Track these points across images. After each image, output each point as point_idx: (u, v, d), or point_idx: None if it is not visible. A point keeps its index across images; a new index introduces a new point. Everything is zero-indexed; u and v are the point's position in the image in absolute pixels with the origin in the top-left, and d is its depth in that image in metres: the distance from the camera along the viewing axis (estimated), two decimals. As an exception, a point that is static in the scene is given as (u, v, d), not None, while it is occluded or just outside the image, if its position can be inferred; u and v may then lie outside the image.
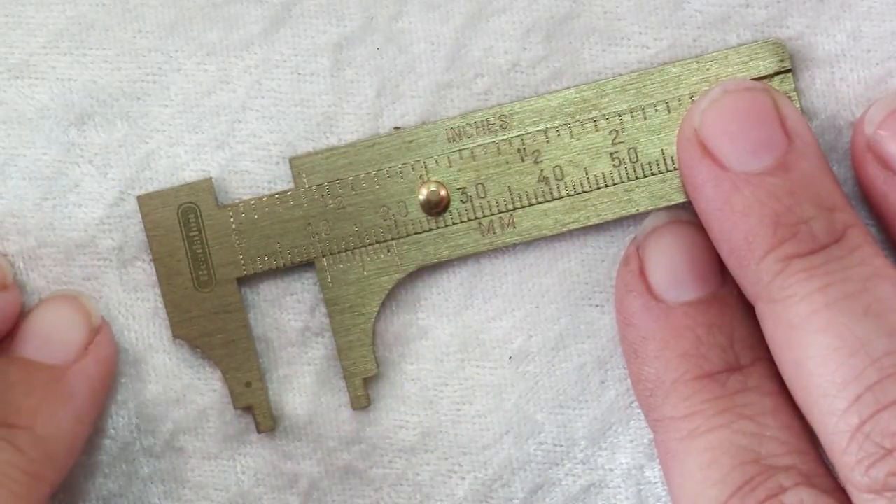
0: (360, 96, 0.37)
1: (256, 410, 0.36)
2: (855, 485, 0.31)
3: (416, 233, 0.35)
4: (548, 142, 0.35)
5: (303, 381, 0.37)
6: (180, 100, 0.37)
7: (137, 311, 0.37)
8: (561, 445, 0.37)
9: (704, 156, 0.34)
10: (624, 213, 0.36)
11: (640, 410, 0.36)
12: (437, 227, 0.35)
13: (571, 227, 0.36)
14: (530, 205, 0.35)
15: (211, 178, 0.36)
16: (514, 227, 0.36)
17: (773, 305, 0.32)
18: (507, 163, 0.35)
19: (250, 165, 0.37)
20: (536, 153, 0.35)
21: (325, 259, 0.35)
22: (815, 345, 0.31)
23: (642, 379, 0.34)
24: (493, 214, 0.35)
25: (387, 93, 0.37)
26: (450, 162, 0.35)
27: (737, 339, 0.34)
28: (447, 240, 0.36)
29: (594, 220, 0.36)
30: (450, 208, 0.35)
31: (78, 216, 0.36)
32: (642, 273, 0.35)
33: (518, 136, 0.35)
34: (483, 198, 0.35)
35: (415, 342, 0.37)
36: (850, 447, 0.31)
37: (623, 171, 0.35)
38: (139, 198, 0.36)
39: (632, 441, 0.37)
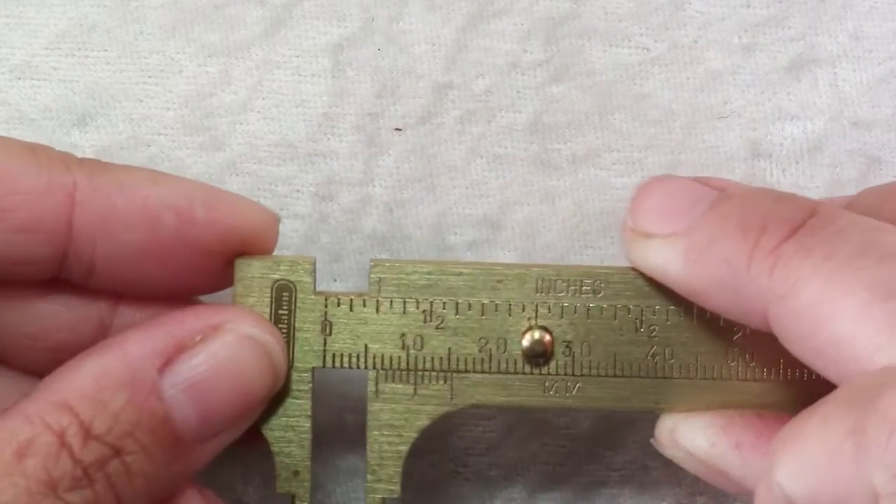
0: (360, 97, 0.37)
1: (298, 500, 0.33)
2: None
3: (512, 374, 0.33)
4: (668, 321, 0.33)
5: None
6: (182, 101, 0.37)
7: None
8: (563, 445, 0.37)
9: (647, 238, 0.32)
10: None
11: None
12: (533, 374, 0.33)
13: (664, 409, 0.33)
14: (635, 377, 0.33)
15: (314, 258, 0.33)
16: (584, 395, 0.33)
17: (784, 299, 0.29)
18: (620, 329, 0.33)
19: (252, 167, 0.37)
20: (652, 329, 0.33)
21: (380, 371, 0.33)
22: (847, 309, 0.28)
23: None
24: (591, 375, 0.33)
25: (387, 93, 0.37)
26: (551, 311, 0.33)
27: None
28: (507, 388, 0.33)
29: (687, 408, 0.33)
30: (552, 360, 0.33)
31: (81, 218, 0.37)
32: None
33: (636, 305, 0.33)
34: (587, 356, 0.33)
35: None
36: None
37: (740, 369, 0.33)
38: (237, 261, 0.33)
39: (634, 441, 0.37)
